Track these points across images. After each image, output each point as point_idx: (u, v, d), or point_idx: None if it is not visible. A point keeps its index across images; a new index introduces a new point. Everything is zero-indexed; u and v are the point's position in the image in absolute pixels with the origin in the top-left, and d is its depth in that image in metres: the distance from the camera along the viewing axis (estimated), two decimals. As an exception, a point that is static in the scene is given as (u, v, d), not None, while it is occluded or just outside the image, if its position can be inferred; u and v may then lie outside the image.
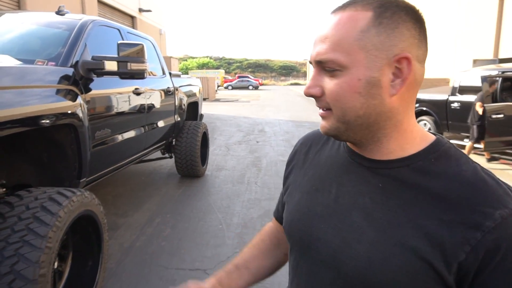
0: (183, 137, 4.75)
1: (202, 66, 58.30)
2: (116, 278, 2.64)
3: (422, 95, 7.60)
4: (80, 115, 2.34)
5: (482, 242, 0.52)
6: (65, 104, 2.21)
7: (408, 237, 0.56)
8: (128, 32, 3.57)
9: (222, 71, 44.69)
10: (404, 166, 0.61)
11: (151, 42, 4.29)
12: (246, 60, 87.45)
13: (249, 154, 6.83)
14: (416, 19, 0.59)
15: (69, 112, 2.24)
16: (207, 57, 79.18)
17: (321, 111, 0.64)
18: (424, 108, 7.38)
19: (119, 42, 2.70)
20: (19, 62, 2.17)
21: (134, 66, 2.67)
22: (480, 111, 5.74)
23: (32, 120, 1.94)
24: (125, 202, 4.17)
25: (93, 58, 2.59)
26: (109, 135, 2.84)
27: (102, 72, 2.61)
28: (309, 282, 0.68)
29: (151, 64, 3.96)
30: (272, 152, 7.00)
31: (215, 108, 16.42)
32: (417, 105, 7.54)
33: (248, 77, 44.87)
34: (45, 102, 2.03)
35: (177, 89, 4.63)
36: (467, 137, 6.55)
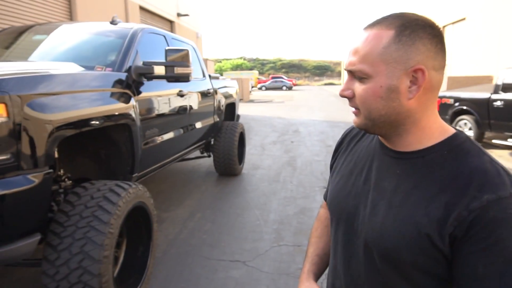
0: (222, 137, 4.96)
1: (236, 68, 59.04)
2: (163, 266, 2.86)
3: (462, 93, 7.37)
4: (133, 115, 2.57)
5: (467, 219, 0.65)
6: (121, 106, 2.46)
7: (413, 215, 0.70)
8: (172, 38, 3.81)
9: (256, 72, 45.01)
10: (419, 157, 0.75)
11: (192, 46, 4.53)
12: (280, 60, 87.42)
13: (284, 153, 6.95)
14: (433, 34, 0.71)
15: (124, 113, 2.48)
16: (241, 58, 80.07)
17: (352, 110, 0.80)
18: (464, 107, 7.16)
19: (166, 48, 2.93)
20: (82, 69, 2.43)
21: (179, 70, 2.89)
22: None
23: (95, 120, 2.18)
24: (168, 198, 4.43)
25: (143, 63, 2.83)
26: (157, 134, 3.08)
27: (151, 76, 2.85)
28: (345, 248, 0.85)
29: (192, 67, 4.19)
30: (307, 152, 7.08)
31: (249, 108, 16.66)
32: (456, 104, 7.32)
33: (281, 77, 44.88)
34: (105, 104, 2.28)
35: (216, 91, 4.84)
36: (511, 136, 6.31)
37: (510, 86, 6.39)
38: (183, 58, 2.95)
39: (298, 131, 9.77)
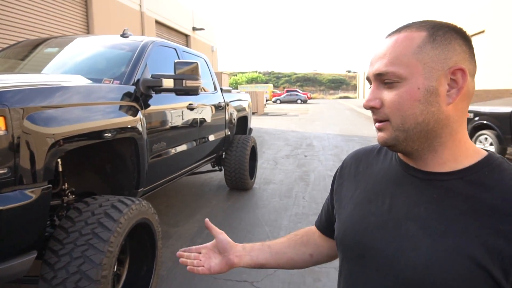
0: (233, 151, 4.89)
1: (251, 81, 59.51)
2: (167, 285, 2.76)
3: (483, 107, 7.13)
4: (140, 129, 2.52)
5: None
6: (127, 119, 2.40)
7: (465, 245, 0.59)
8: (183, 51, 3.79)
9: (270, 85, 45.27)
10: (457, 178, 0.64)
11: (204, 59, 4.51)
12: (295, 74, 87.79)
13: (297, 168, 6.82)
14: (464, 38, 0.64)
15: (131, 126, 2.43)
16: (256, 71, 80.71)
17: (377, 124, 0.69)
18: (485, 122, 6.91)
19: (176, 61, 2.89)
20: (89, 81, 2.40)
21: (189, 83, 2.84)
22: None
23: (98, 134, 2.13)
24: (177, 212, 4.35)
25: (152, 76, 2.79)
26: (164, 148, 3.02)
27: (160, 89, 2.80)
28: (366, 286, 0.71)
29: (203, 80, 4.15)
30: (321, 166, 6.93)
31: (263, 122, 16.62)
32: (476, 118, 7.08)
33: (296, 91, 44.95)
34: (110, 117, 2.23)
35: (227, 104, 4.79)
36: (536, 153, 6.04)
37: (533, 101, 6.15)
38: (193, 71, 2.90)
39: (311, 145, 9.64)
